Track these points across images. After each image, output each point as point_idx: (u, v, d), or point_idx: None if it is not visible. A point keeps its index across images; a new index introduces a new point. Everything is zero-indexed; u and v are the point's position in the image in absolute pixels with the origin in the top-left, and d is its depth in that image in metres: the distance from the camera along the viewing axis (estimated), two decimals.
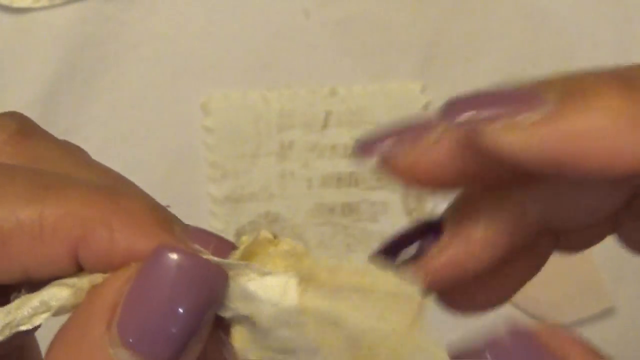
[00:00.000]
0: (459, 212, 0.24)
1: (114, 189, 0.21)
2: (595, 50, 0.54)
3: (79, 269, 0.21)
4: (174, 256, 0.19)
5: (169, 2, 0.54)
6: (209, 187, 0.53)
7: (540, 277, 0.57)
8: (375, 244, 0.24)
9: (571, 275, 0.51)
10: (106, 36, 0.53)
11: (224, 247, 0.21)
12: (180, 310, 0.19)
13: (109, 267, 0.20)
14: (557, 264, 0.58)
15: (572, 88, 0.20)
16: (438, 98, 0.54)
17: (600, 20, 0.54)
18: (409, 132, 0.22)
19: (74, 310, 0.20)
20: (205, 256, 0.20)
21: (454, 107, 0.21)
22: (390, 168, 0.21)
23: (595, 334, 0.51)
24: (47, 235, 0.20)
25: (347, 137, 0.53)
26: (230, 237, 0.22)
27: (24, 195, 0.20)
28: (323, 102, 0.53)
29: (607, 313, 0.51)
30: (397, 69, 0.54)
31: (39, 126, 0.24)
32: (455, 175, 0.22)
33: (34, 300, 0.20)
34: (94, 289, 0.20)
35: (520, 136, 0.20)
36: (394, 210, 0.53)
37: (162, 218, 0.21)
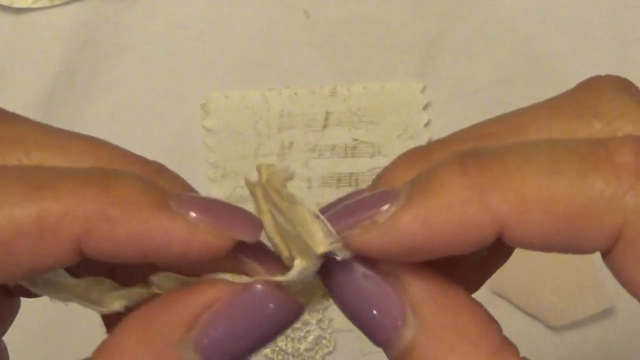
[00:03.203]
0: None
1: (105, 173, 0.21)
2: (595, 50, 0.54)
3: (83, 259, 0.21)
4: (265, 294, 0.22)
5: (169, 3, 0.54)
6: (209, 187, 0.53)
7: (540, 277, 0.56)
8: None
9: (571, 275, 0.51)
10: (106, 36, 0.53)
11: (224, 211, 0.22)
12: (258, 339, 0.22)
13: (114, 255, 0.21)
14: (557, 264, 0.58)
15: (419, 177, 0.22)
16: (438, 98, 0.54)
17: (600, 20, 0.54)
18: (358, 211, 0.22)
19: (151, 306, 0.22)
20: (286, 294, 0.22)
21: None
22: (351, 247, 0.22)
23: (595, 334, 0.51)
24: (48, 235, 0.20)
25: (347, 137, 0.53)
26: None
27: (19, 196, 0.20)
28: (323, 102, 0.53)
29: (607, 313, 0.51)
30: (397, 69, 0.54)
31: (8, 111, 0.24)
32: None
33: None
34: (179, 294, 0.22)
35: (377, 232, 0.21)
36: None
37: (156, 196, 0.21)
